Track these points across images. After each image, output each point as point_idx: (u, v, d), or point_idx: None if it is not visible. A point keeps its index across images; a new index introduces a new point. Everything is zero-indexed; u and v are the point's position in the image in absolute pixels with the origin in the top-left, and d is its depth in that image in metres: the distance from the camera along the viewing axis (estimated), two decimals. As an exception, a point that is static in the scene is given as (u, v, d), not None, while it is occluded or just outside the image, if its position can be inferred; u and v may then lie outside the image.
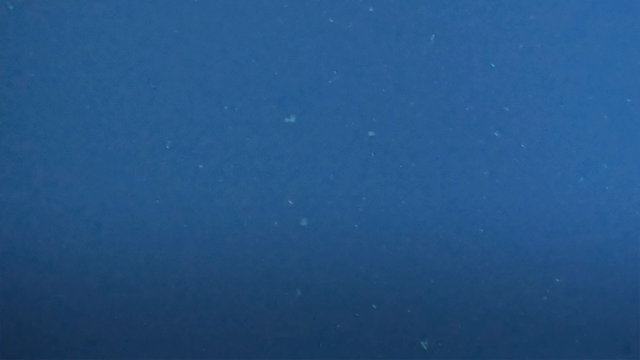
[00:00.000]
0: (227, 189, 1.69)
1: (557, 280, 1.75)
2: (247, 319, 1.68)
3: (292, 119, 1.68)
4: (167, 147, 1.64)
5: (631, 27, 1.72)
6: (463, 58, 1.68)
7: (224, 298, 1.70)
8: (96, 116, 1.66)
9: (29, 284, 1.65)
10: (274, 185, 1.69)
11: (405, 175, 1.71)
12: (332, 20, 1.67)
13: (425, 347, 1.73)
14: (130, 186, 1.67)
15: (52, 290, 1.65)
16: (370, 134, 1.68)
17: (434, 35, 1.67)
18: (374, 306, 1.69)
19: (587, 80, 1.73)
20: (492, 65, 1.70)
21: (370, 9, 1.67)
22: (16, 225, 1.64)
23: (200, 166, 1.68)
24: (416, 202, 1.71)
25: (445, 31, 1.69)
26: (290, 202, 1.69)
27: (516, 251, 1.75)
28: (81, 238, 1.66)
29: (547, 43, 1.71)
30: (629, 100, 1.71)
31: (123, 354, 1.69)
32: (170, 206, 1.68)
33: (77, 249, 1.67)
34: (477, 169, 1.72)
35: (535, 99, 1.72)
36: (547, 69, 1.72)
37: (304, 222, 1.67)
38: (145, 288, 1.69)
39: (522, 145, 1.72)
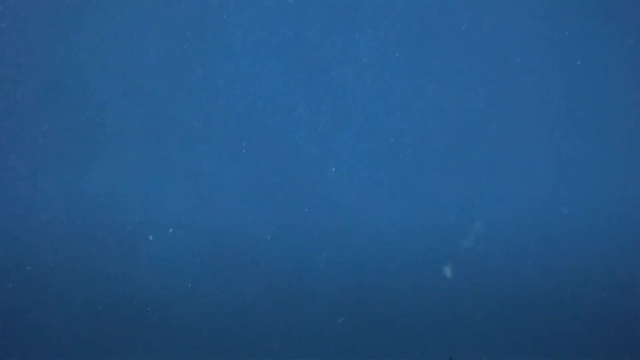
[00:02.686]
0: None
1: (555, 279, 1.75)
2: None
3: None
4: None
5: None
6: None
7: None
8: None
9: (28, 283, 1.64)
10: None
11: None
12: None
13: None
14: (137, 186, 1.67)
15: (52, 289, 1.65)
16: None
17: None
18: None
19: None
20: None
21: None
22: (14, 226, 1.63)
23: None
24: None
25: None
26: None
27: (518, 253, 1.75)
28: (81, 241, 1.66)
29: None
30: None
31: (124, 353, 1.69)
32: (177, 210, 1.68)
33: (77, 251, 1.66)
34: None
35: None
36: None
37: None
38: (146, 287, 1.69)
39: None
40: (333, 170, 1.70)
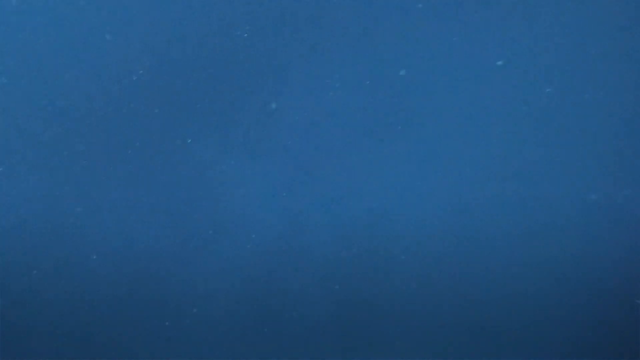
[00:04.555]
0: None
1: (555, 275, 1.75)
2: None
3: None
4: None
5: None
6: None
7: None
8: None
9: (29, 284, 1.65)
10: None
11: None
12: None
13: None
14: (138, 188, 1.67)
15: (51, 291, 1.66)
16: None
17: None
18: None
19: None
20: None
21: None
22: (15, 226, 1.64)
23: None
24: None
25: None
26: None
27: (516, 250, 1.75)
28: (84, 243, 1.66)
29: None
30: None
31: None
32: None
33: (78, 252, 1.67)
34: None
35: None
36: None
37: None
38: (146, 286, 1.69)
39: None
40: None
